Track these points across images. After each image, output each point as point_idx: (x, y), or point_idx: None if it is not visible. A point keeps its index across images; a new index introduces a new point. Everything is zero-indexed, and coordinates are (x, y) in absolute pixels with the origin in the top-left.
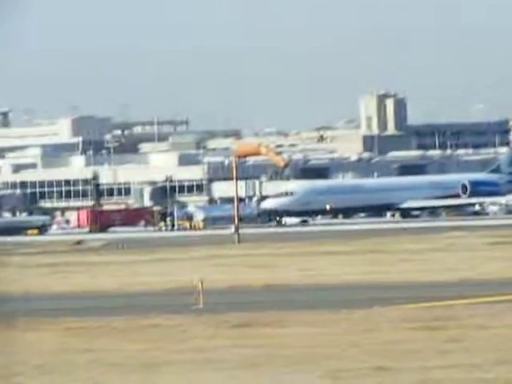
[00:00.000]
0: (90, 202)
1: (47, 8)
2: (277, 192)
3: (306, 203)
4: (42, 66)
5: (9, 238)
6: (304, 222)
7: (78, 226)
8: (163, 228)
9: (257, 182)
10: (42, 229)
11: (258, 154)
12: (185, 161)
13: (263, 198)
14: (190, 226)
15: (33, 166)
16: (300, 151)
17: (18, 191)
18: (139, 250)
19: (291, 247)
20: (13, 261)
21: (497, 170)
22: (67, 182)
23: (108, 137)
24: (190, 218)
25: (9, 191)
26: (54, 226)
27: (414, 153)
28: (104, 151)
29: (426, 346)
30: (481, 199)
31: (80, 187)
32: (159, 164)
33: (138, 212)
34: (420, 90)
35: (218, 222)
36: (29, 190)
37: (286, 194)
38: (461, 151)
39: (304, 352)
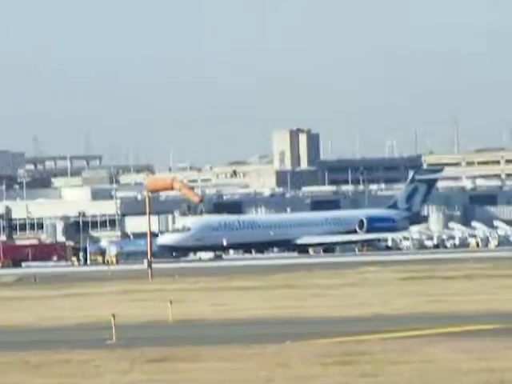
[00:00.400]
0: (2, 237)
1: None
2: (177, 227)
3: (200, 239)
4: None
5: None
6: (218, 256)
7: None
8: (76, 263)
9: (170, 217)
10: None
11: (170, 188)
12: (98, 195)
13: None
14: (103, 260)
15: None
16: (213, 186)
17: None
18: (52, 285)
19: (205, 282)
20: None
21: (394, 206)
22: None
23: (21, 171)
24: (102, 252)
25: None
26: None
27: (327, 188)
28: (17, 186)
29: (340, 380)
30: (377, 235)
31: None
32: (72, 199)
33: (50, 247)
34: (333, 125)
35: (131, 257)
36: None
37: (183, 229)
38: (373, 186)
39: None
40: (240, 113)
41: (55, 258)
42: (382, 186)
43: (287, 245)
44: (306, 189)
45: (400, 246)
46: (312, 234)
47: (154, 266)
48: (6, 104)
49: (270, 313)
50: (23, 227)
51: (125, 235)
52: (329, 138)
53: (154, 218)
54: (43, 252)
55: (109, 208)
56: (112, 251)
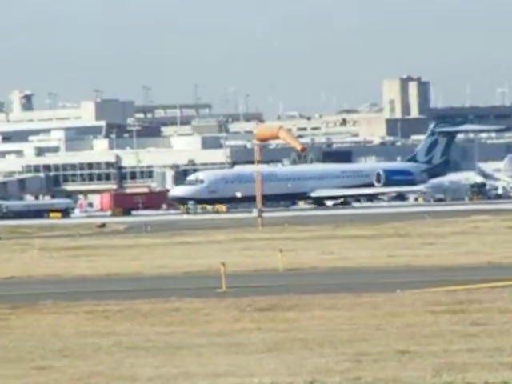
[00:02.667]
0: (112, 186)
1: None
2: (190, 179)
3: (214, 191)
4: (65, 49)
5: (32, 222)
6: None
7: (101, 209)
8: (186, 211)
9: (279, 166)
10: (65, 212)
11: (276, 137)
12: (207, 144)
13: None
14: (213, 209)
15: (56, 149)
16: (323, 134)
17: (41, 174)
18: (162, 233)
19: (313, 230)
20: (36, 244)
21: (413, 159)
22: (90, 165)
23: (131, 120)
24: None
25: (32, 174)
26: (77, 210)
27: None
28: (127, 135)
29: (450, 329)
30: (394, 188)
31: (103, 170)
32: (182, 147)
33: (160, 195)
34: (443, 73)
35: (241, 205)
36: (52, 174)
37: (196, 181)
38: (483, 135)
39: (327, 335)
40: (350, 61)
41: (165, 206)
42: (493, 134)
43: (304, 197)
44: (415, 137)
45: (511, 194)
46: (329, 186)
47: (264, 214)
48: (116, 53)
49: (380, 261)
50: (133, 176)
51: None
52: (439, 86)
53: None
54: (153, 200)
55: (218, 156)
56: None
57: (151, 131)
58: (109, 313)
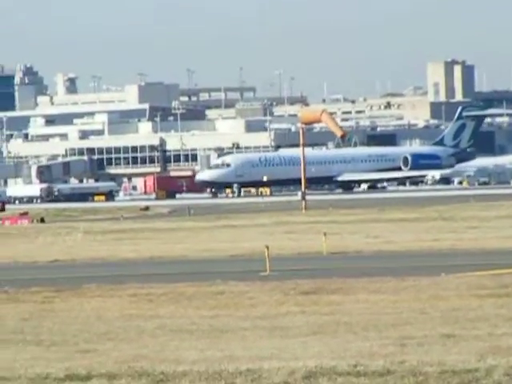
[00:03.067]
0: (156, 169)
1: None
2: (217, 163)
3: (240, 175)
4: (108, 32)
5: (76, 205)
6: (371, 187)
7: (145, 193)
8: (230, 194)
9: (324, 149)
10: (109, 195)
11: (319, 120)
12: (251, 127)
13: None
14: (257, 192)
15: (100, 132)
16: (367, 118)
17: (86, 158)
18: (206, 217)
19: (357, 214)
20: (80, 227)
21: (440, 143)
22: (134, 149)
23: (175, 103)
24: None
25: (76, 158)
26: (121, 193)
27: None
28: (171, 117)
29: (495, 313)
30: (422, 172)
31: (147, 154)
32: (226, 130)
33: None
34: (488, 56)
35: (285, 189)
36: (96, 157)
37: (223, 165)
38: None
39: (371, 319)
40: (395, 44)
41: (209, 189)
42: None
43: (329, 182)
44: None
45: None
46: (355, 170)
47: (307, 197)
48: (160, 36)
49: (424, 245)
50: (177, 159)
51: None
52: (484, 69)
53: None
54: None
55: (262, 140)
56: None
57: (195, 114)
58: (153, 296)
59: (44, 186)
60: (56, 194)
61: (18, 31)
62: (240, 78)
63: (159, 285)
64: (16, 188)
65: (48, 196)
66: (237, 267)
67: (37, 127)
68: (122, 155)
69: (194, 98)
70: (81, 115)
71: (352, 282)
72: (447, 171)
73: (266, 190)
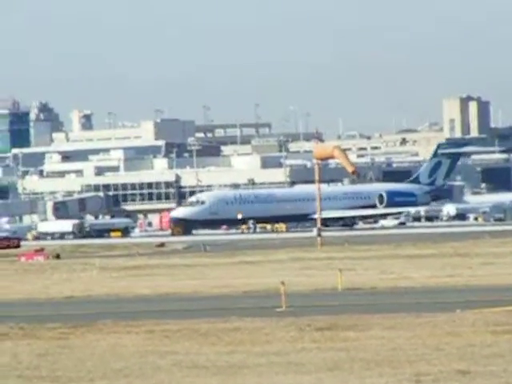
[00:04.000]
0: (172, 205)
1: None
2: (191, 201)
3: (215, 212)
4: (124, 70)
5: (92, 241)
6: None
7: (161, 229)
8: (245, 230)
9: (339, 185)
10: (125, 231)
11: (332, 157)
12: (267, 163)
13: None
14: (272, 228)
15: (115, 168)
16: (382, 154)
17: (101, 194)
18: (222, 253)
19: (373, 250)
20: (96, 263)
21: (416, 181)
22: (150, 185)
23: (191, 139)
24: None
25: (92, 194)
26: (137, 229)
27: (498, 156)
28: (186, 154)
29: (510, 349)
30: (397, 209)
31: (162, 190)
32: (242, 167)
33: None
34: (504, 92)
35: (300, 225)
36: (111, 193)
37: (197, 202)
38: None
39: (386, 355)
40: (411, 79)
41: (224, 226)
42: None
43: (304, 219)
44: (476, 157)
45: None
46: (330, 208)
47: (323, 233)
48: (176, 73)
49: (440, 281)
50: (193, 195)
51: None
52: (499, 105)
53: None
54: None
55: (278, 176)
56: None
57: (211, 150)
58: (168, 332)
59: (76, 221)
60: (88, 229)
61: (33, 68)
62: (255, 114)
63: (175, 321)
64: (48, 224)
65: (80, 232)
66: (252, 303)
67: (52, 163)
68: (137, 191)
69: (209, 135)
70: (96, 151)
71: (367, 318)
72: (461, 206)
73: (282, 227)
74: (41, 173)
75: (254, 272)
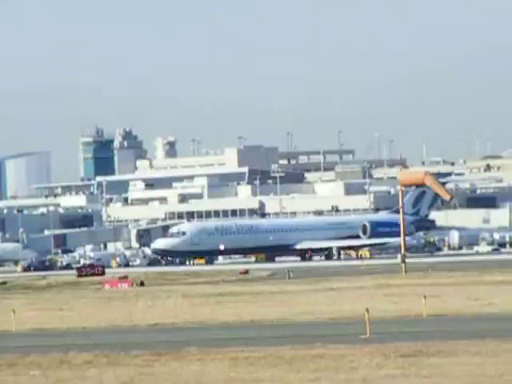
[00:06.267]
0: None
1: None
2: (172, 232)
3: (196, 243)
4: (207, 97)
5: (175, 268)
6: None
7: (244, 256)
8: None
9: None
10: (209, 258)
11: (421, 183)
12: (351, 190)
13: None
14: (357, 255)
15: (199, 195)
16: (466, 180)
17: (185, 221)
18: (306, 280)
19: (458, 277)
20: (180, 291)
21: (399, 211)
22: (233, 212)
23: (274, 166)
24: (356, 246)
25: (175, 221)
26: (221, 256)
27: None
28: (270, 181)
29: None
30: (380, 240)
31: (246, 217)
32: (325, 193)
33: None
34: None
35: (384, 252)
36: (195, 220)
37: (178, 233)
38: None
39: (471, 381)
40: (493, 105)
41: (310, 252)
42: None
43: (287, 250)
44: None
45: None
46: (313, 239)
47: (407, 260)
48: (259, 100)
49: None
50: None
51: None
52: None
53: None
54: None
55: (361, 202)
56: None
57: (295, 177)
58: (253, 359)
59: None
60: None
61: (117, 96)
62: (339, 141)
63: (259, 348)
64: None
65: (162, 259)
66: (337, 330)
67: (136, 191)
68: (221, 218)
69: (293, 161)
70: (180, 179)
71: (452, 345)
72: None
73: (366, 253)
74: (125, 200)
75: (339, 299)
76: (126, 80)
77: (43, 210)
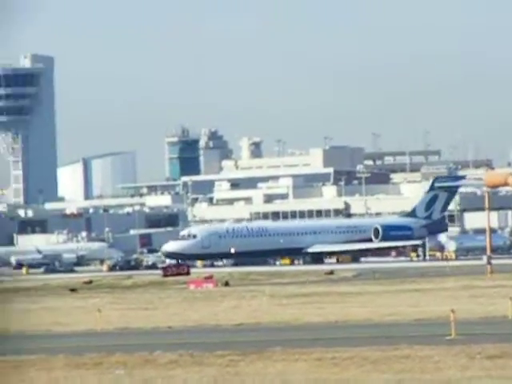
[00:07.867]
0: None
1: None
2: (183, 234)
3: (207, 246)
4: (292, 96)
5: (261, 268)
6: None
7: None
8: (414, 258)
9: (509, 213)
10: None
11: (507, 184)
12: None
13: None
14: (442, 256)
15: (284, 196)
16: None
17: (270, 221)
18: (391, 280)
19: None
20: (265, 291)
21: (412, 214)
22: (319, 213)
23: (359, 167)
24: (441, 248)
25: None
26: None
27: None
28: (355, 181)
29: None
30: (393, 243)
31: (331, 217)
32: (411, 194)
33: None
34: None
35: (470, 253)
36: (280, 220)
37: (189, 236)
38: None
39: None
40: None
41: (394, 253)
42: None
43: (298, 253)
44: None
45: None
46: (325, 242)
47: (495, 261)
48: (345, 100)
49: None
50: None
51: (464, 231)
52: None
53: (494, 214)
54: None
55: None
56: (451, 247)
57: (380, 178)
58: (338, 360)
59: None
60: None
61: (203, 96)
62: (425, 142)
63: (344, 348)
64: None
65: None
66: (422, 331)
67: (221, 191)
68: (306, 219)
69: (378, 162)
70: (265, 179)
71: None
72: None
73: (451, 254)
74: (210, 200)
75: (424, 300)
76: (211, 80)
77: (129, 209)
